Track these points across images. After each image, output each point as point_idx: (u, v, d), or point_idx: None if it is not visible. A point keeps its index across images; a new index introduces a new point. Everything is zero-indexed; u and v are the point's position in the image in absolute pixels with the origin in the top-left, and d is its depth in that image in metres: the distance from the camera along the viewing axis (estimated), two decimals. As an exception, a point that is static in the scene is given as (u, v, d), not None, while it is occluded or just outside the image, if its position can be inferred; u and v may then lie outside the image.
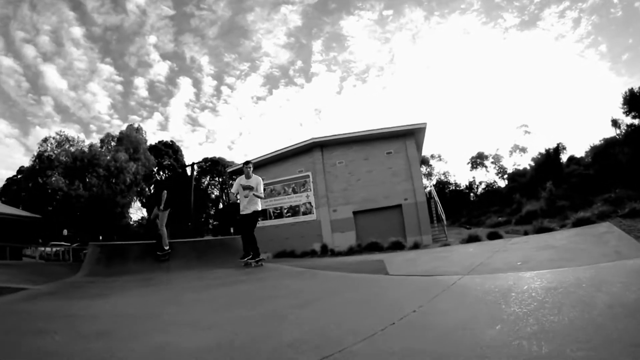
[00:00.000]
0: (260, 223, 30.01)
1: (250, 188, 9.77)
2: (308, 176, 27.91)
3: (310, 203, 27.61)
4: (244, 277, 7.64)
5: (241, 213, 9.85)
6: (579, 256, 6.02)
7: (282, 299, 5.03)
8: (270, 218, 28.81)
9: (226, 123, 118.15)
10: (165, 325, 3.90)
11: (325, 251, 20.42)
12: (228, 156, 74.06)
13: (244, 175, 10.04)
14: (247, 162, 10.22)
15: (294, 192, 28.19)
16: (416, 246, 15.72)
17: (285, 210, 28.40)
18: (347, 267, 9.03)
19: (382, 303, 4.53)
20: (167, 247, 10.06)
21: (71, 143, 57.55)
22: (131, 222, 63.49)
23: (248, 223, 9.79)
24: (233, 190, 10.26)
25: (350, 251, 17.39)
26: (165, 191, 10.58)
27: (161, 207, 10.29)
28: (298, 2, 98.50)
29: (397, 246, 15.79)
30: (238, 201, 9.99)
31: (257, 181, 9.91)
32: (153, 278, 8.01)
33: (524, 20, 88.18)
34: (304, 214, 27.78)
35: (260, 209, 10.04)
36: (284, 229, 27.57)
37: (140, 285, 7.13)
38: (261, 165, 28.03)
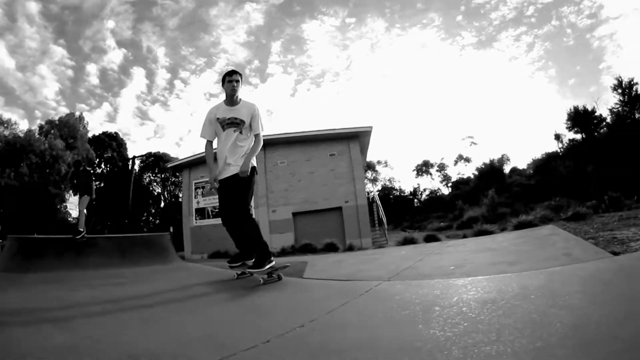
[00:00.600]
0: (198, 222, 29.24)
1: (236, 124, 5.35)
2: (248, 175, 26.52)
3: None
4: (158, 276, 7.17)
5: (220, 177, 5.44)
6: (523, 259, 5.28)
7: (173, 303, 4.56)
8: (208, 217, 27.46)
9: (176, 119, 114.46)
10: (32, 322, 3.49)
11: (259, 252, 19.43)
12: (174, 153, 71.92)
13: (222, 102, 5.54)
14: (232, 72, 5.46)
15: (234, 190, 26.72)
16: (350, 248, 15.35)
17: (224, 210, 26.80)
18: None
19: (273, 311, 3.66)
20: (82, 229, 9.23)
21: (5, 126, 54.20)
22: (70, 219, 60.65)
23: (236, 192, 5.32)
24: (204, 134, 5.58)
25: (283, 252, 16.88)
26: (94, 179, 9.99)
27: (92, 196, 10.11)
28: (263, 1, 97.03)
29: (331, 248, 15.24)
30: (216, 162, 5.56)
31: (251, 111, 5.42)
32: (64, 275, 7.27)
33: (481, 40, 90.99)
34: (243, 213, 26.36)
35: (255, 164, 5.57)
36: (222, 228, 25.59)
37: (43, 282, 6.48)
38: (201, 162, 26.78)
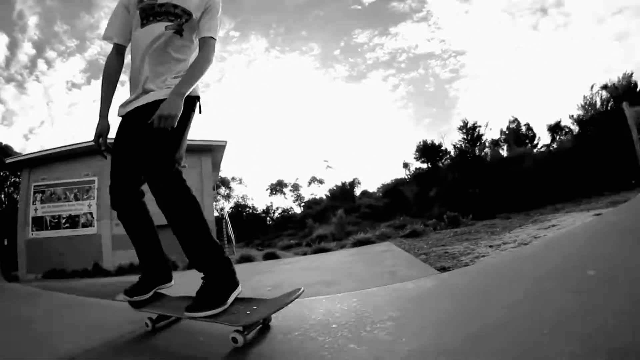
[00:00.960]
0: (35, 234, 26.05)
1: (174, 16, 2.74)
2: (94, 181, 23.76)
3: (91, 214, 23.60)
4: None
5: (125, 109, 2.83)
6: (345, 278, 5.09)
7: None
8: (47, 228, 23.75)
9: (30, 106, 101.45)
10: None
11: (99, 271, 18.30)
12: (20, 147, 63.67)
13: None
14: None
15: (76, 198, 23.79)
16: (189, 267, 14.64)
17: (64, 220, 23.78)
18: (86, 288, 7.38)
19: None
20: None
21: None
22: None
23: (154, 138, 2.56)
24: (109, 31, 2.93)
25: (120, 271, 15.84)
26: None
27: None
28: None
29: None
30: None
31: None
32: None
33: (352, 75, 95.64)
34: (84, 226, 23.63)
35: (198, 94, 2.92)
36: (60, 242, 22.89)
37: None
38: (44, 161, 24.27)
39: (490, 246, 6.60)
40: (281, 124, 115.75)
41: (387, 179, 56.55)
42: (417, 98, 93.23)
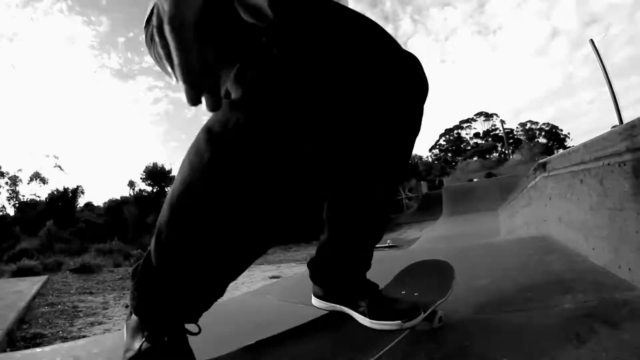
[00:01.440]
0: None
1: None
2: None
3: None
4: None
5: None
6: None
7: None
8: None
9: None
10: None
11: None
12: None
13: None
14: None
15: None
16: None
17: None
18: None
19: None
20: None
21: None
22: None
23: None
24: None
25: None
26: None
27: None
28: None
29: None
30: None
31: None
32: None
33: (122, 71, 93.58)
34: None
35: None
36: None
37: None
38: None
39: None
40: (15, 94, 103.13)
41: (116, 195, 54.83)
42: (174, 119, 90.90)
